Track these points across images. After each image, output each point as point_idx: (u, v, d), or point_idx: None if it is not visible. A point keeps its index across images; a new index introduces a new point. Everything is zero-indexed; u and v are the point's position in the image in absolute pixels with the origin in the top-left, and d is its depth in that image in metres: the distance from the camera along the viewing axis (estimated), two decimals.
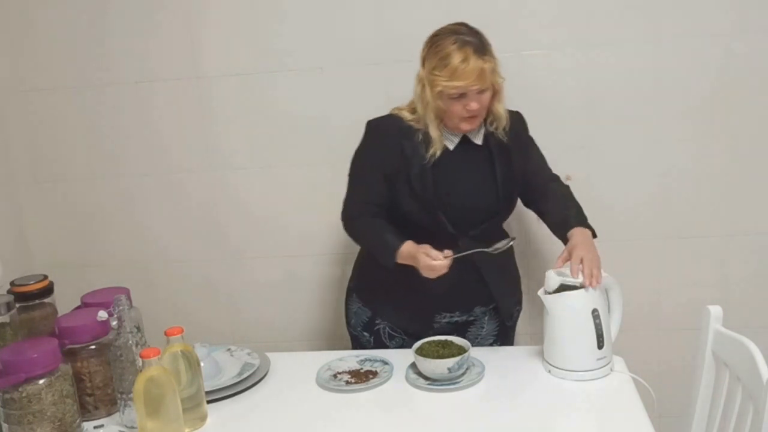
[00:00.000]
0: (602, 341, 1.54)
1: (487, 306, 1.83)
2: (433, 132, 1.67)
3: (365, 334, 1.88)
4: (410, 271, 1.65)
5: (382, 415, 1.49)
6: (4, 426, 1.39)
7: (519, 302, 1.93)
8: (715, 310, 1.53)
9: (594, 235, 1.69)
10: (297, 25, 2.18)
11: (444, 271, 1.60)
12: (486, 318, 1.84)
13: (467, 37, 1.62)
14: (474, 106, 1.62)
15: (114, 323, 1.46)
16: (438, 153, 1.68)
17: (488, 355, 1.66)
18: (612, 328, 1.60)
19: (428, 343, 1.63)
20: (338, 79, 2.19)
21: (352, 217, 1.80)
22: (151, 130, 2.30)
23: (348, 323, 1.94)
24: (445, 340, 1.63)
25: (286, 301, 2.40)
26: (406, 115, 1.73)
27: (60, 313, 1.68)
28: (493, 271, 1.78)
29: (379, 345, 1.86)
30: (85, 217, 2.39)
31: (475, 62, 1.59)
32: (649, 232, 2.21)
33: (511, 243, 1.69)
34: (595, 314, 1.53)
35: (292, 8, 2.17)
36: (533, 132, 2.18)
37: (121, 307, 1.45)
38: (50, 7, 2.24)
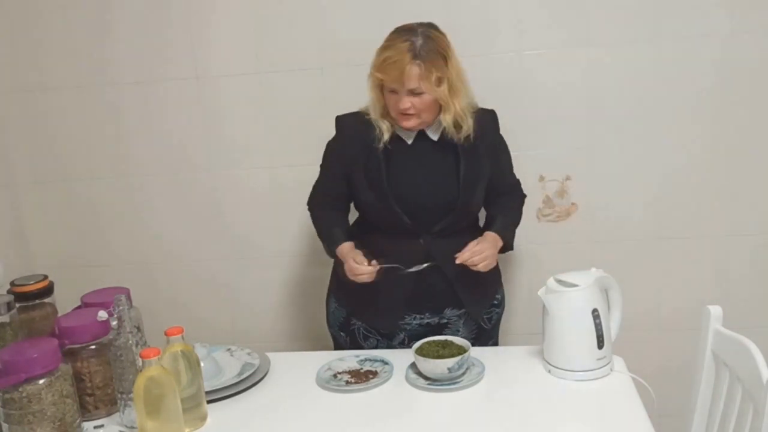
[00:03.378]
0: (602, 341, 1.54)
1: (459, 309, 1.83)
2: (376, 116, 1.72)
3: (342, 334, 1.90)
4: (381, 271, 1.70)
5: (382, 415, 1.49)
6: (4, 426, 1.39)
7: (497, 305, 1.91)
8: (715, 310, 1.53)
9: (508, 248, 1.80)
10: (297, 26, 2.18)
11: (366, 279, 1.66)
12: (461, 322, 1.84)
13: (418, 41, 1.61)
14: (403, 105, 1.64)
15: (114, 323, 1.46)
16: (386, 136, 1.71)
17: (488, 355, 1.66)
18: (612, 328, 1.60)
19: (428, 343, 1.63)
20: (338, 79, 2.19)
21: (314, 205, 1.91)
22: (151, 130, 2.30)
23: (328, 323, 1.96)
24: (445, 340, 1.63)
25: (287, 301, 2.40)
26: (370, 112, 1.76)
27: (60, 313, 1.68)
28: (459, 274, 1.76)
29: (355, 345, 1.87)
30: (86, 217, 2.39)
31: (402, 64, 1.59)
32: (649, 232, 2.21)
33: (426, 266, 1.70)
34: (595, 314, 1.53)
35: (292, 8, 2.17)
36: (533, 132, 2.18)
37: (121, 307, 1.45)
38: (51, 7, 2.24)
